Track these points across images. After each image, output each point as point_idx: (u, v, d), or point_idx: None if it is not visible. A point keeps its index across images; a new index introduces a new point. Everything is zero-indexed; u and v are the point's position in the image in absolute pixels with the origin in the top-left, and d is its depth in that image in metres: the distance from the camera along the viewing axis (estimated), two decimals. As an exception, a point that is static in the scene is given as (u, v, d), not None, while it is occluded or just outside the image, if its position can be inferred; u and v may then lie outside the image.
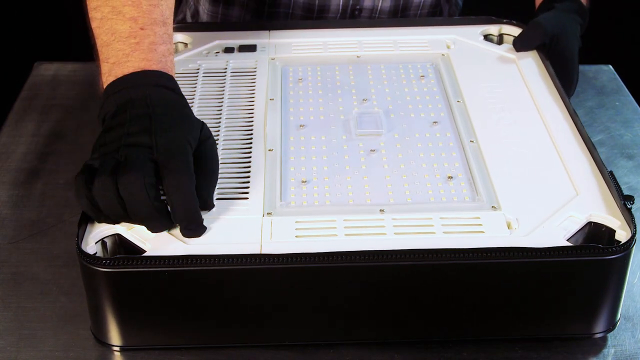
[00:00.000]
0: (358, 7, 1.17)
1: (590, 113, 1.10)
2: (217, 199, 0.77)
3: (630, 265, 0.72)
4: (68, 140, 1.05)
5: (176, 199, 0.72)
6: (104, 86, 0.79)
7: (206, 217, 0.75)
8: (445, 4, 1.24)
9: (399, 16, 1.21)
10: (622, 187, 0.94)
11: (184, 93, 0.81)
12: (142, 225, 0.73)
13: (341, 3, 1.17)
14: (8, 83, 1.33)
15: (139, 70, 0.78)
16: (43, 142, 1.04)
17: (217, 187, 0.78)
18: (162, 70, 0.79)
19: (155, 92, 0.77)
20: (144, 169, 0.71)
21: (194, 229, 0.73)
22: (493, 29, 1.06)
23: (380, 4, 1.17)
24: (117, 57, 0.79)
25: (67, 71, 1.19)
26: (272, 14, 1.19)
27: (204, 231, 0.73)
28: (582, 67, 1.02)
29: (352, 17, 1.19)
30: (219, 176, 0.78)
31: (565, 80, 0.98)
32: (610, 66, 1.22)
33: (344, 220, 0.75)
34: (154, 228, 0.73)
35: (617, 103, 1.13)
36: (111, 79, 0.78)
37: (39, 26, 2.02)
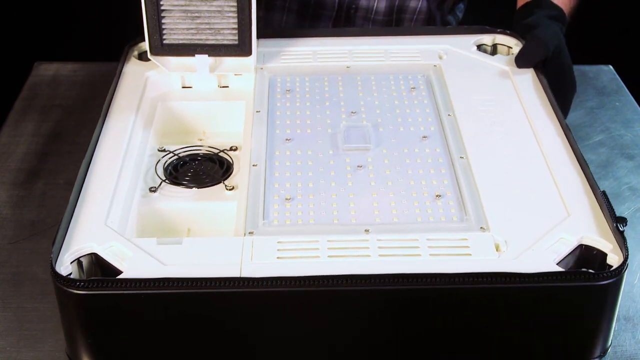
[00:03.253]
0: (354, 5, 1.16)
1: (590, 113, 1.08)
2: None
3: (626, 276, 0.70)
4: (68, 140, 1.05)
5: None
6: None
7: (188, 237, 0.73)
8: (436, 12, 1.22)
9: (394, 18, 1.19)
10: (622, 187, 0.93)
11: None
12: None
13: (337, 0, 1.15)
14: (8, 83, 1.32)
15: None
16: (43, 142, 1.04)
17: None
18: None
19: None
20: None
21: None
22: (487, 39, 1.04)
23: (375, 4, 1.16)
24: None
25: (67, 71, 1.20)
26: (270, 6, 1.18)
27: None
28: (582, 67, 1.02)
29: (348, 16, 1.17)
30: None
31: (563, 93, 0.96)
32: (610, 66, 1.21)
33: (328, 240, 0.73)
34: None
35: (617, 103, 1.12)
36: None
37: (39, 26, 2.01)
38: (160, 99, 0.95)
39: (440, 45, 1.02)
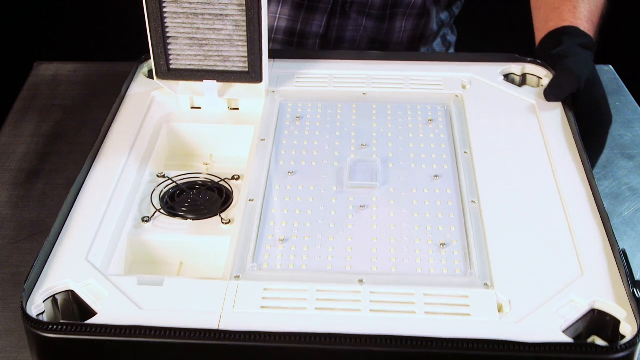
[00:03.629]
0: (349, 0, 1.14)
1: (590, 113, 1.04)
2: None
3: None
4: (68, 140, 1.05)
5: None
6: None
7: (171, 276, 0.68)
8: (432, 7, 1.19)
9: (388, 13, 1.16)
10: (622, 187, 0.90)
11: None
12: None
13: None
14: (8, 83, 1.34)
15: None
16: (43, 142, 1.04)
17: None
18: None
19: None
20: None
21: None
22: (515, 68, 0.98)
23: None
24: None
25: (67, 71, 1.20)
26: None
27: None
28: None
29: (343, 10, 1.16)
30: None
31: (597, 128, 0.90)
32: (610, 66, 1.19)
33: (317, 290, 0.68)
34: None
35: (617, 103, 1.10)
36: None
37: (39, 26, 2.01)
38: (165, 120, 0.91)
39: (465, 73, 0.96)
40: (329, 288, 0.68)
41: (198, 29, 0.87)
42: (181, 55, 0.88)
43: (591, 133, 0.90)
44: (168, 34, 0.87)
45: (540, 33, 1.00)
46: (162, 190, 0.83)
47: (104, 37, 1.58)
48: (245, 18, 0.85)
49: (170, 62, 0.89)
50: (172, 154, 0.92)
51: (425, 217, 0.76)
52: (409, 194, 0.79)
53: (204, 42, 0.87)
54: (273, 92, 0.94)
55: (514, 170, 0.81)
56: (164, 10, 0.86)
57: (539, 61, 0.97)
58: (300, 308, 0.66)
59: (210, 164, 0.92)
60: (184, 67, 0.89)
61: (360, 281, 0.69)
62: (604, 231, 0.74)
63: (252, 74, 0.88)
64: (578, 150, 0.83)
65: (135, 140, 0.87)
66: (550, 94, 0.91)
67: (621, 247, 0.71)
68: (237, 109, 0.93)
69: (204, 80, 0.89)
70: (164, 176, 0.85)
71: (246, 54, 0.87)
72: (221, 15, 0.86)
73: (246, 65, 0.88)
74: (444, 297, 0.67)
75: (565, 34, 0.96)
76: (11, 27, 2.02)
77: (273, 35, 1.20)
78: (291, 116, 0.90)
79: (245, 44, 0.86)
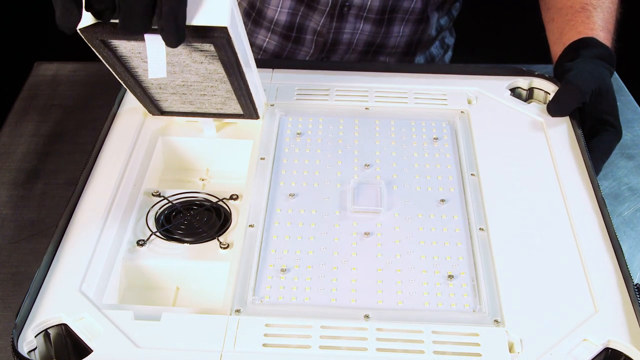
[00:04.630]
0: (347, 3, 1.13)
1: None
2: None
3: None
4: (68, 140, 1.04)
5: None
6: None
7: (168, 307, 0.66)
8: (432, 13, 1.16)
9: (386, 17, 1.14)
10: (622, 187, 0.89)
11: None
12: (121, 17, 0.66)
13: None
14: (8, 83, 1.33)
15: None
16: (43, 142, 1.03)
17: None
18: None
19: None
20: None
21: (169, 30, 0.66)
22: (522, 82, 0.95)
23: (369, 2, 1.12)
24: None
25: (67, 71, 1.18)
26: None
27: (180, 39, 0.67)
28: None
29: (341, 13, 1.14)
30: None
31: (606, 146, 0.87)
32: None
33: (321, 327, 0.65)
34: (131, 22, 0.66)
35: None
36: None
37: (39, 26, 1.98)
38: (161, 133, 0.88)
39: (470, 87, 0.93)
40: (333, 324, 0.66)
41: (176, 82, 0.80)
42: (167, 100, 0.84)
43: (596, 148, 0.87)
44: (143, 83, 0.80)
45: (555, 47, 0.97)
46: (157, 211, 0.80)
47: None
48: (221, 67, 0.75)
49: (159, 106, 0.85)
50: (168, 167, 0.89)
51: (432, 246, 0.74)
52: (415, 221, 0.76)
53: (186, 94, 0.82)
54: (272, 105, 0.91)
55: (522, 195, 0.79)
56: (127, 64, 0.77)
57: (546, 75, 0.94)
58: (304, 346, 0.64)
59: (207, 179, 0.89)
60: (176, 110, 0.85)
61: (366, 317, 0.67)
62: (617, 264, 0.71)
63: (248, 114, 0.85)
64: (588, 171, 0.81)
65: (130, 155, 0.84)
66: (553, 109, 0.89)
67: (630, 274, 0.68)
68: (235, 122, 0.90)
69: (200, 118, 0.86)
70: (159, 195, 0.82)
71: (235, 99, 0.81)
72: (193, 65, 0.76)
73: (239, 108, 0.84)
74: (453, 335, 0.65)
75: (582, 47, 0.93)
76: (11, 27, 2.01)
77: (272, 27, 1.17)
78: (291, 132, 0.87)
79: (232, 92, 0.80)
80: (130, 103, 0.90)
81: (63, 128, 1.06)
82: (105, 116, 0.89)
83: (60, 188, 0.95)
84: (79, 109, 1.10)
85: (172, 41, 0.67)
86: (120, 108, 0.90)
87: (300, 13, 1.16)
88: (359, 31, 1.16)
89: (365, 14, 1.14)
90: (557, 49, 0.96)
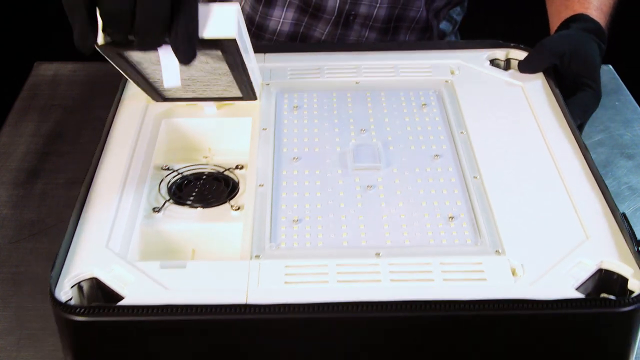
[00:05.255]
0: (353, 12, 1.16)
1: (590, 113, 1.06)
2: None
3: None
4: (68, 140, 1.05)
5: (184, 15, 0.69)
6: None
7: (192, 260, 0.70)
8: (433, 20, 1.21)
9: (392, 26, 1.18)
10: (622, 187, 0.92)
11: None
12: (138, 38, 0.69)
13: (337, 6, 1.15)
14: (8, 83, 1.33)
15: None
16: (43, 142, 1.04)
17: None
18: None
19: None
20: None
21: (183, 50, 0.70)
22: (500, 54, 1.01)
23: (375, 12, 1.15)
24: None
25: (67, 71, 1.20)
26: (269, 2, 1.18)
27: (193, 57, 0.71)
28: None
29: (347, 22, 1.17)
30: None
31: (582, 104, 0.93)
32: (610, 66, 1.20)
33: (337, 265, 0.70)
34: (147, 42, 0.70)
35: (617, 103, 1.11)
36: None
37: (39, 26, 2.00)
38: (164, 115, 0.93)
39: (452, 60, 0.99)
40: (348, 262, 0.70)
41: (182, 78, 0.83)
42: (172, 90, 0.88)
43: (573, 105, 0.92)
44: (150, 80, 0.85)
45: (554, 27, 1.05)
46: (169, 182, 0.85)
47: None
48: (226, 65, 0.80)
49: (161, 93, 0.89)
50: (172, 147, 0.94)
51: (430, 194, 0.79)
52: (413, 174, 0.82)
53: (191, 84, 0.86)
54: (268, 84, 0.96)
55: (509, 147, 0.85)
56: (130, 60, 0.80)
57: (522, 46, 1.01)
58: (322, 282, 0.69)
59: (209, 157, 0.94)
60: (178, 97, 0.90)
61: (377, 254, 0.72)
62: (602, 198, 0.77)
63: (247, 96, 0.89)
64: (567, 121, 0.87)
65: (138, 136, 0.88)
66: (522, 66, 0.96)
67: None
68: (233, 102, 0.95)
69: (201, 103, 0.91)
70: (168, 169, 0.87)
71: (236, 84, 0.86)
72: (199, 65, 0.81)
73: (239, 92, 0.88)
74: (459, 265, 0.70)
75: (572, 21, 1.00)
76: (11, 27, 2.01)
77: (275, 38, 1.21)
78: (288, 106, 0.93)
79: (231, 77, 0.84)
80: (132, 89, 0.95)
81: (63, 128, 1.08)
82: (105, 116, 0.90)
83: (60, 188, 0.97)
84: (79, 109, 1.11)
85: (186, 60, 0.72)
86: (123, 94, 0.95)
87: (304, 24, 1.19)
88: (364, 39, 1.20)
89: (371, 23, 1.17)
90: (554, 28, 1.04)
